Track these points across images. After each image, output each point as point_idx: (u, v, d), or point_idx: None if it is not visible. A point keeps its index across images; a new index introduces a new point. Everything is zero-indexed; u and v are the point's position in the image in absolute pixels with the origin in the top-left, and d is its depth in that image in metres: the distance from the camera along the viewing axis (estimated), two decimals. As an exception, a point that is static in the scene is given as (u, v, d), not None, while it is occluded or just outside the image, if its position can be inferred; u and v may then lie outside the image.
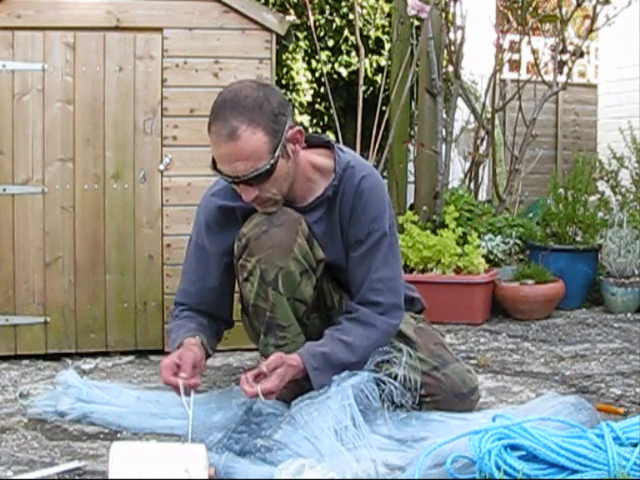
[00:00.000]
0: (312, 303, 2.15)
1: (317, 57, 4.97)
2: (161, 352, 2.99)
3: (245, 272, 2.08)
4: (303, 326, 2.12)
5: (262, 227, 2.05)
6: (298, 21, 4.91)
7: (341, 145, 2.23)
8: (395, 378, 2.02)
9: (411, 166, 4.84)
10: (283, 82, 4.87)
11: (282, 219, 2.06)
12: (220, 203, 2.18)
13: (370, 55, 5.18)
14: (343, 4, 5.14)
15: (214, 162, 2.03)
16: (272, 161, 1.96)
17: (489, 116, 4.72)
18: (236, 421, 1.97)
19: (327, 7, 5.14)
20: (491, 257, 4.00)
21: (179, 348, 2.08)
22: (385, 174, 4.62)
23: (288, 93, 4.86)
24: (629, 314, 3.81)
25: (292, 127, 2.02)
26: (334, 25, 5.13)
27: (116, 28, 2.91)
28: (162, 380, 2.00)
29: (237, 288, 2.21)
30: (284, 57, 4.88)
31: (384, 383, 1.98)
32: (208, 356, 2.17)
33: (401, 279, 2.20)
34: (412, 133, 5.12)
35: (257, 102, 1.95)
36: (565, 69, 4.81)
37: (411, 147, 4.88)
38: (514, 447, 1.63)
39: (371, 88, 5.12)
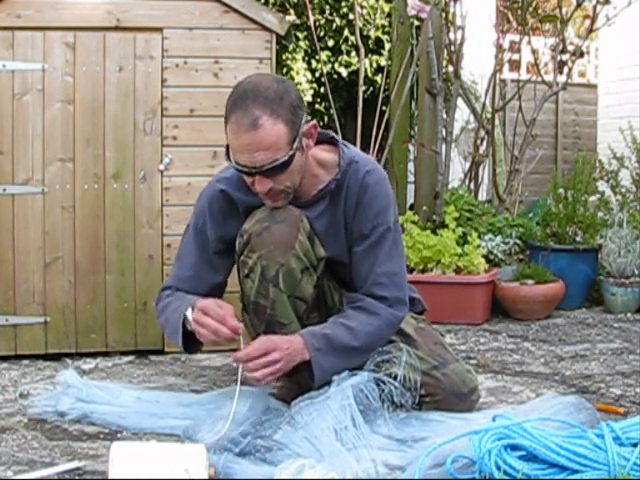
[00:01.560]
0: (312, 302, 2.14)
1: (317, 57, 4.97)
2: (161, 352, 3.00)
3: (246, 269, 2.08)
4: (303, 325, 2.11)
5: (264, 223, 2.06)
6: (298, 21, 4.91)
7: (346, 142, 2.24)
8: (395, 378, 2.02)
9: (411, 166, 4.84)
10: (283, 82, 4.86)
11: (284, 216, 2.07)
12: (227, 192, 2.18)
13: (370, 55, 5.18)
14: (343, 4, 5.14)
15: (228, 152, 2.03)
16: (290, 152, 1.98)
17: (489, 116, 4.72)
18: (244, 412, 1.94)
19: (327, 7, 5.14)
20: (491, 257, 4.00)
21: (193, 307, 2.04)
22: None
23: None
24: (629, 314, 3.81)
25: (307, 122, 2.05)
26: (334, 25, 5.13)
27: (116, 28, 2.91)
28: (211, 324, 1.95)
29: (237, 288, 2.21)
30: (284, 57, 4.88)
31: (384, 383, 1.98)
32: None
33: (405, 274, 2.21)
34: (412, 133, 5.12)
35: (278, 94, 1.96)
36: (565, 69, 4.80)
37: (411, 147, 4.88)
38: (514, 447, 1.63)
39: (371, 88, 5.12)
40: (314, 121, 2.08)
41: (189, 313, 2.03)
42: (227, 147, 2.03)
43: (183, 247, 2.26)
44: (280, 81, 2.03)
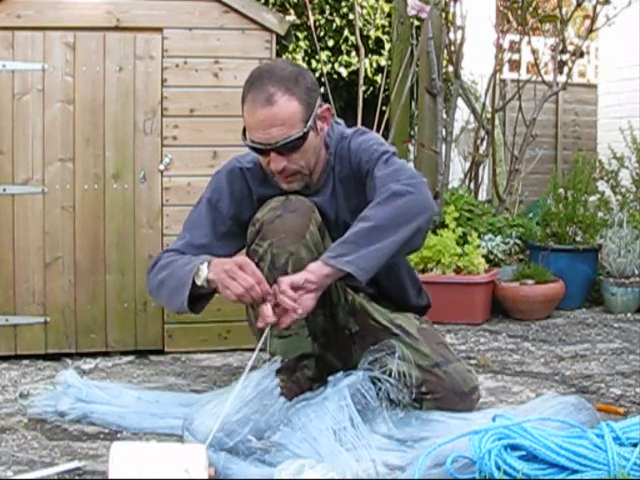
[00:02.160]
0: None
1: (317, 57, 4.98)
2: (161, 352, 3.00)
3: (256, 257, 2.09)
4: (307, 320, 2.10)
5: (276, 212, 2.08)
6: (298, 21, 4.92)
7: (337, 119, 2.29)
8: (390, 375, 2.01)
9: (411, 166, 4.83)
10: (283, 82, 4.86)
11: (296, 205, 2.09)
12: (246, 174, 2.21)
13: (370, 55, 5.19)
14: (343, 4, 5.14)
15: (244, 133, 2.07)
16: (305, 129, 2.03)
17: (489, 116, 4.72)
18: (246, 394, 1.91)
19: (327, 7, 5.15)
20: (491, 257, 4.00)
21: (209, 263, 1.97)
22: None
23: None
24: (629, 314, 3.81)
25: (321, 105, 2.10)
26: (334, 25, 5.14)
27: (116, 28, 2.91)
28: (235, 279, 1.88)
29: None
30: (284, 57, 4.88)
31: (380, 381, 1.98)
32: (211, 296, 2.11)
33: (412, 170, 2.11)
34: (412, 133, 5.12)
35: (293, 75, 2.04)
36: (565, 69, 4.81)
37: (411, 147, 4.88)
38: (514, 447, 1.63)
39: (371, 88, 5.12)
40: (328, 105, 2.11)
41: (204, 267, 1.96)
42: (244, 129, 2.07)
43: (195, 218, 2.23)
44: (295, 65, 2.13)
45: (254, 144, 2.04)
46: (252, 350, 2.14)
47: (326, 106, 2.12)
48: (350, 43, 5.14)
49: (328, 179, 2.20)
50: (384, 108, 4.25)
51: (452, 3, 4.39)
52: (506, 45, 4.93)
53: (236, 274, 1.90)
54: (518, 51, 5.15)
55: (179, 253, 2.16)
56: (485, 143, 4.84)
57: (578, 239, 4.10)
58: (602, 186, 4.77)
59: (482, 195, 5.06)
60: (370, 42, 5.18)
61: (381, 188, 2.01)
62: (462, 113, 5.16)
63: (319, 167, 2.19)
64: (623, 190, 4.68)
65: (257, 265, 2.08)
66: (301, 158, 2.07)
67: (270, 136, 2.00)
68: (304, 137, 2.03)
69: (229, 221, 2.21)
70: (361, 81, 4.11)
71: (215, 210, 2.21)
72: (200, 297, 2.06)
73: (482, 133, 4.80)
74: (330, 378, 1.94)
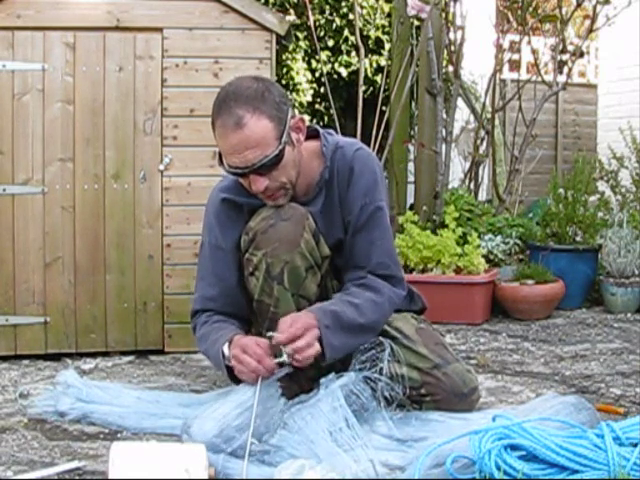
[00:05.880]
0: (315, 301, 2.14)
1: (317, 57, 4.98)
2: (161, 352, 3.00)
3: (251, 266, 2.08)
4: None
5: (269, 221, 2.06)
6: (298, 21, 4.92)
7: (329, 130, 2.26)
8: (381, 372, 2.01)
9: (411, 166, 4.84)
10: (283, 82, 4.87)
11: (289, 213, 2.08)
12: (229, 198, 2.19)
13: (370, 55, 5.18)
14: (343, 4, 5.14)
15: (220, 158, 2.05)
16: (280, 147, 2.00)
17: (489, 116, 4.72)
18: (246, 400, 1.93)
19: (327, 7, 5.15)
20: (491, 257, 4.00)
21: (230, 342, 2.02)
22: (385, 174, 4.62)
23: (288, 93, 4.86)
24: (629, 314, 3.81)
25: (293, 117, 2.06)
26: (334, 25, 5.14)
27: (116, 28, 2.91)
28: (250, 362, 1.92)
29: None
30: (284, 57, 4.89)
31: (372, 380, 1.98)
32: None
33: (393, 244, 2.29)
34: (412, 133, 5.12)
35: (259, 92, 1.99)
36: (565, 69, 4.81)
37: (411, 147, 4.88)
38: (514, 447, 1.63)
39: (371, 88, 5.12)
40: (300, 115, 2.09)
41: (226, 349, 2.01)
42: (219, 153, 2.05)
43: (202, 265, 2.25)
44: (260, 80, 2.06)
45: (232, 169, 2.01)
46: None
47: (299, 116, 2.08)
48: (350, 43, 5.13)
49: (320, 192, 2.17)
50: (384, 108, 4.25)
51: (452, 3, 4.39)
52: (506, 45, 4.93)
53: (241, 358, 1.94)
54: (518, 51, 5.16)
55: (203, 314, 2.20)
56: (485, 143, 4.84)
57: (578, 239, 4.10)
58: (602, 186, 4.76)
59: (482, 195, 5.06)
60: (370, 42, 5.18)
61: (372, 279, 2.13)
62: (462, 113, 5.16)
63: (306, 179, 2.15)
64: (623, 190, 4.68)
65: (252, 274, 2.09)
66: (281, 174, 2.04)
67: (246, 159, 1.97)
68: (280, 154, 2.00)
69: (232, 252, 2.18)
70: (361, 81, 4.11)
71: (218, 250, 2.19)
72: None
73: (482, 133, 4.79)
74: (322, 380, 1.93)
